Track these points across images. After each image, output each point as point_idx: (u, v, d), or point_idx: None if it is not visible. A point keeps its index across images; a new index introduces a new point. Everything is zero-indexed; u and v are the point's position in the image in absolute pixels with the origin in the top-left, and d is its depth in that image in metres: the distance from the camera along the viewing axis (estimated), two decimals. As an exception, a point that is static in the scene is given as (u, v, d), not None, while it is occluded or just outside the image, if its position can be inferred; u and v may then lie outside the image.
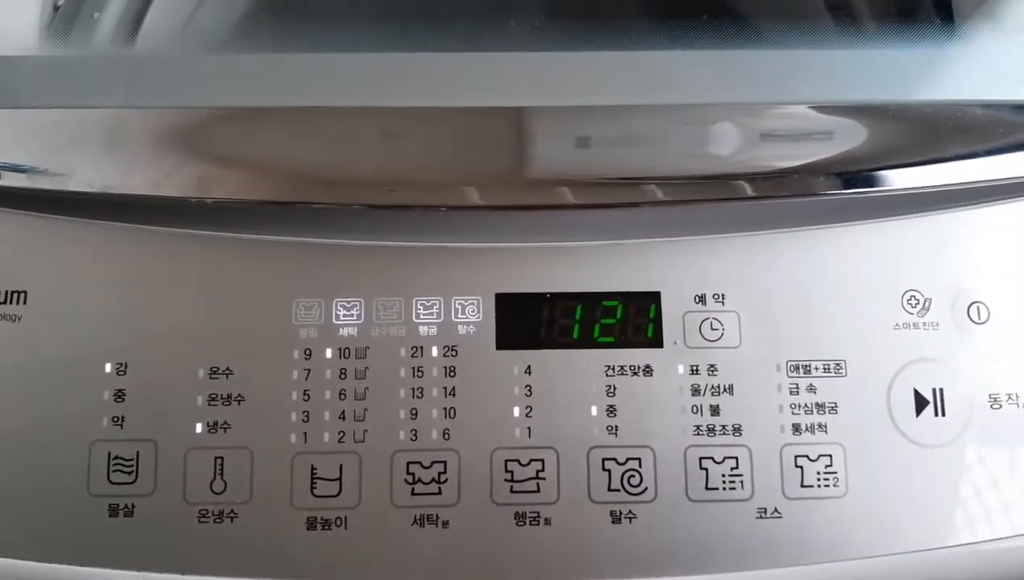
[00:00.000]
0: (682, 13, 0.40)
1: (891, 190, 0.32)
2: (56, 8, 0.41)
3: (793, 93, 0.34)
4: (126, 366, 0.31)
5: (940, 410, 0.32)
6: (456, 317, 0.32)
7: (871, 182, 0.32)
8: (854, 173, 0.32)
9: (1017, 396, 0.32)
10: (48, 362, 0.31)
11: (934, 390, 0.32)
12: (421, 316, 0.32)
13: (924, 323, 0.32)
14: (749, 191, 0.31)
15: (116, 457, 0.31)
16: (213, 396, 0.31)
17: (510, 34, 0.37)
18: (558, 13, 0.41)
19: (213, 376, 0.31)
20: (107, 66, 0.35)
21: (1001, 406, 0.32)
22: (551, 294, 0.32)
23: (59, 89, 0.34)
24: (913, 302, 0.32)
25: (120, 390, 0.31)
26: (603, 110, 0.33)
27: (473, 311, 0.32)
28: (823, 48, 0.36)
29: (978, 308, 0.33)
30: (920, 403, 0.32)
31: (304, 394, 0.31)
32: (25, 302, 0.32)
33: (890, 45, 0.38)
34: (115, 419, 0.31)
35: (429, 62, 0.34)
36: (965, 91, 0.34)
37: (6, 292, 0.32)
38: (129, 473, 0.31)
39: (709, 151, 0.32)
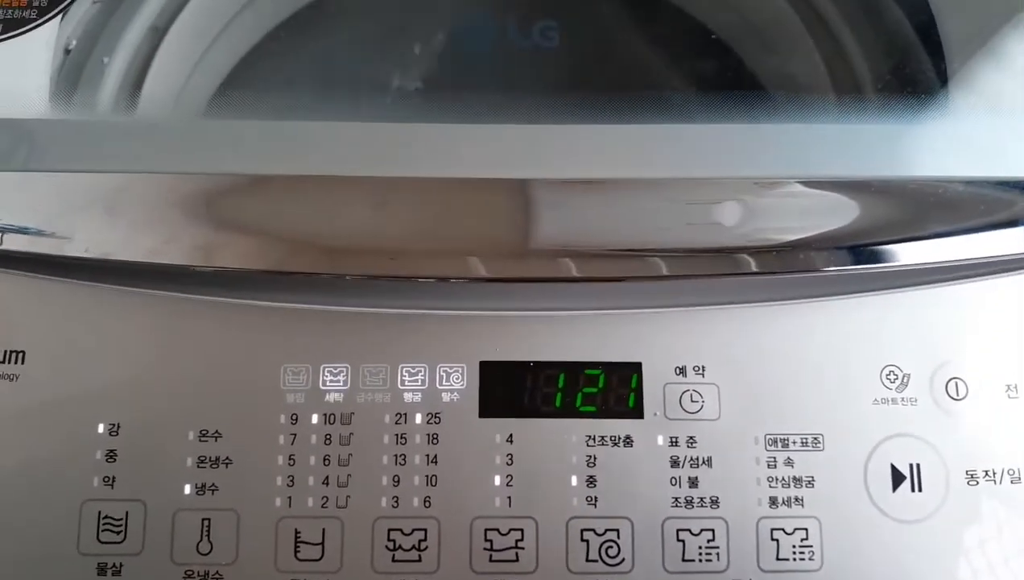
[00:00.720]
0: (676, 83, 0.41)
1: (874, 267, 0.33)
2: (67, 52, 0.43)
3: (779, 169, 0.34)
4: (119, 427, 0.32)
5: (917, 486, 0.32)
6: (440, 384, 0.33)
7: (854, 259, 0.33)
8: (838, 250, 0.33)
9: (994, 473, 0.32)
10: (43, 421, 0.32)
11: (911, 465, 0.32)
12: (406, 382, 0.33)
13: (902, 398, 0.33)
14: (753, 266, 0.32)
15: (106, 516, 0.31)
16: (202, 458, 0.32)
17: (503, 105, 0.37)
18: (546, 85, 0.42)
19: (203, 439, 0.32)
20: (106, 131, 0.36)
21: (978, 483, 0.32)
22: (534, 362, 0.33)
23: (62, 153, 0.35)
24: (892, 377, 0.33)
25: (112, 450, 0.32)
26: (598, 184, 0.33)
27: (457, 378, 0.33)
28: (808, 122, 0.36)
29: (957, 384, 0.33)
30: (897, 478, 0.32)
31: (290, 459, 0.32)
32: (23, 362, 0.33)
33: (872, 120, 0.39)
34: (106, 479, 0.32)
35: (419, 133, 0.35)
36: (948, 168, 0.35)
37: (5, 351, 0.33)
38: (118, 532, 0.31)
39: (694, 227, 0.33)
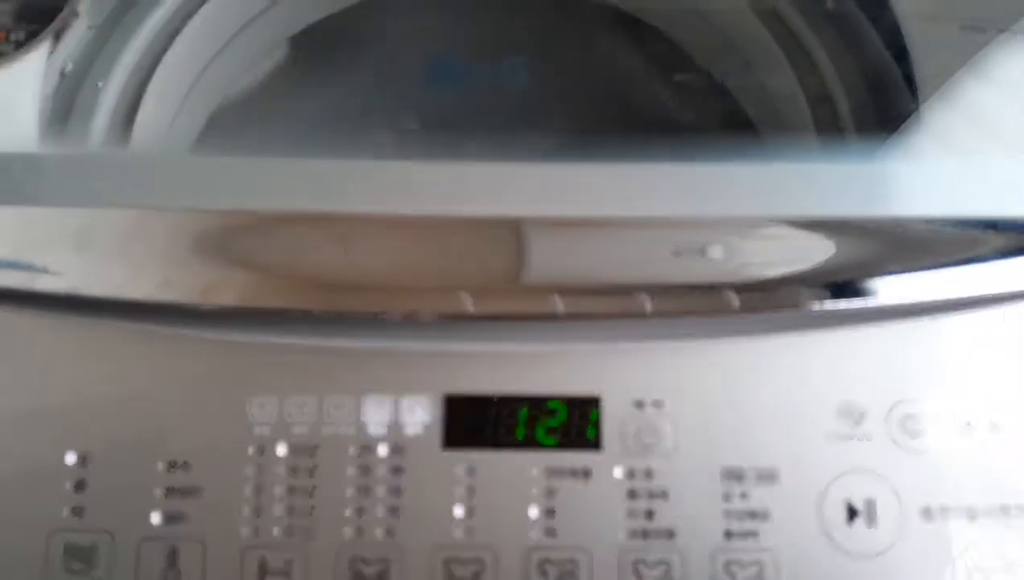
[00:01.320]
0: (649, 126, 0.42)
1: (834, 310, 0.34)
2: (63, 75, 0.44)
3: (759, 208, 0.35)
4: (88, 457, 0.33)
5: (871, 521, 0.33)
6: (405, 417, 0.33)
7: (814, 299, 0.34)
8: (800, 290, 0.34)
9: (949, 509, 0.33)
10: (13, 452, 0.33)
11: (866, 501, 0.33)
12: (371, 415, 0.33)
13: (858, 434, 0.33)
14: (736, 304, 0.33)
15: (74, 547, 0.32)
16: (170, 489, 0.33)
17: (480, 143, 0.38)
18: (521, 120, 0.43)
19: (171, 469, 0.33)
20: (81, 166, 0.37)
21: (933, 519, 0.33)
22: (498, 396, 0.34)
23: (33, 187, 0.36)
24: (848, 413, 0.34)
25: (81, 480, 0.33)
26: (573, 221, 0.34)
27: (422, 411, 0.33)
28: (762, 163, 0.37)
29: (912, 420, 0.34)
30: (851, 513, 0.33)
31: (256, 489, 0.33)
32: (-5, 393, 0.34)
33: (829, 160, 0.40)
34: (75, 510, 0.32)
35: (384, 169, 0.35)
36: (908, 207, 0.36)
37: (-23, 383, 0.34)
38: (86, 562, 0.32)
39: (675, 265, 0.34)
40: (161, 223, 0.34)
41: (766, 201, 0.35)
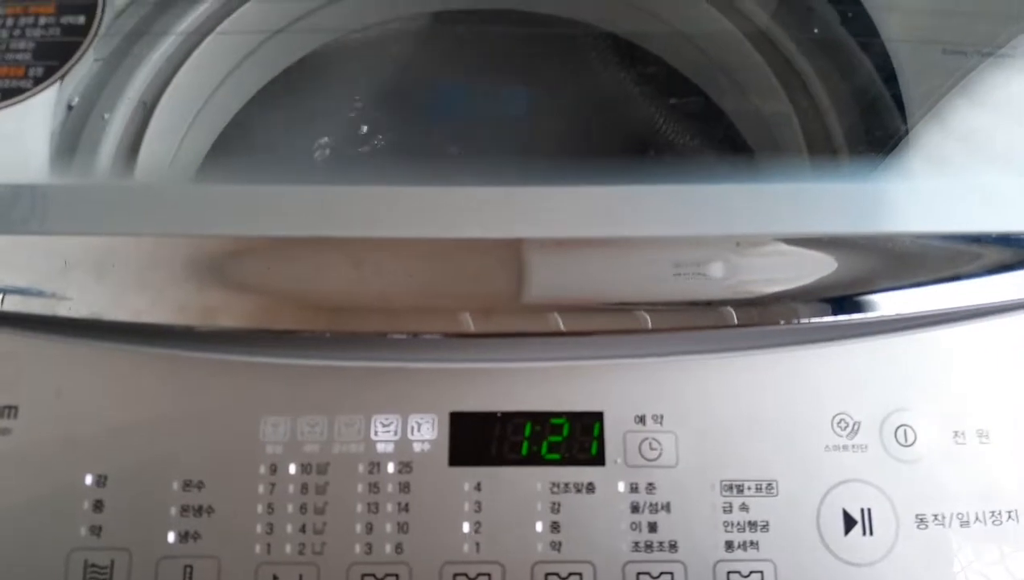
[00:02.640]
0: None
1: (831, 321, 0.35)
2: (70, 108, 0.45)
3: (757, 226, 0.36)
4: (106, 478, 0.34)
5: (868, 530, 0.34)
6: (412, 435, 0.34)
7: (809, 314, 0.35)
8: (795, 305, 0.35)
9: (943, 516, 0.34)
10: (34, 474, 0.34)
11: (862, 510, 0.34)
12: (379, 434, 0.34)
13: (853, 445, 0.34)
14: (735, 318, 0.34)
15: (92, 565, 0.33)
16: (185, 507, 0.33)
17: (479, 167, 0.40)
18: (521, 144, 0.44)
19: (186, 488, 0.34)
20: (99, 195, 0.38)
21: (927, 526, 0.34)
22: (502, 413, 0.35)
23: (56, 216, 0.37)
24: (843, 425, 0.35)
25: (99, 500, 0.34)
26: (581, 243, 0.35)
27: (428, 429, 0.34)
28: (757, 183, 0.38)
29: (905, 431, 0.35)
30: (848, 523, 0.34)
31: (269, 507, 0.33)
32: (16, 416, 0.35)
33: (822, 180, 0.41)
34: (93, 528, 0.33)
35: (390, 196, 0.37)
36: (899, 224, 0.37)
37: (0, 407, 0.35)
38: (104, 580, 0.33)
39: (673, 282, 0.35)
40: (173, 250, 0.35)
41: (762, 220, 0.36)
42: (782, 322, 0.35)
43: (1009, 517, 0.34)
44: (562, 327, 0.34)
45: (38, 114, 0.42)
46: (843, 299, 0.35)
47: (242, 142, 0.47)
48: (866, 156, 0.46)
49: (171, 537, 0.33)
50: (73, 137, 0.44)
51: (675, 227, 0.35)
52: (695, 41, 0.57)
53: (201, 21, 0.48)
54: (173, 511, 0.33)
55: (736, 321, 0.34)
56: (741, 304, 0.35)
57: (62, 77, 0.42)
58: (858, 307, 0.35)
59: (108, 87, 0.48)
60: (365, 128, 0.50)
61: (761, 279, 0.35)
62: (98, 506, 0.33)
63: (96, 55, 0.46)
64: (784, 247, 0.35)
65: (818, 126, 0.51)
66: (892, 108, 0.46)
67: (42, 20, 0.43)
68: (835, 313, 0.35)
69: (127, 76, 0.48)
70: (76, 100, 0.45)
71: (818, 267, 0.35)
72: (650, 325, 0.34)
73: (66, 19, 0.43)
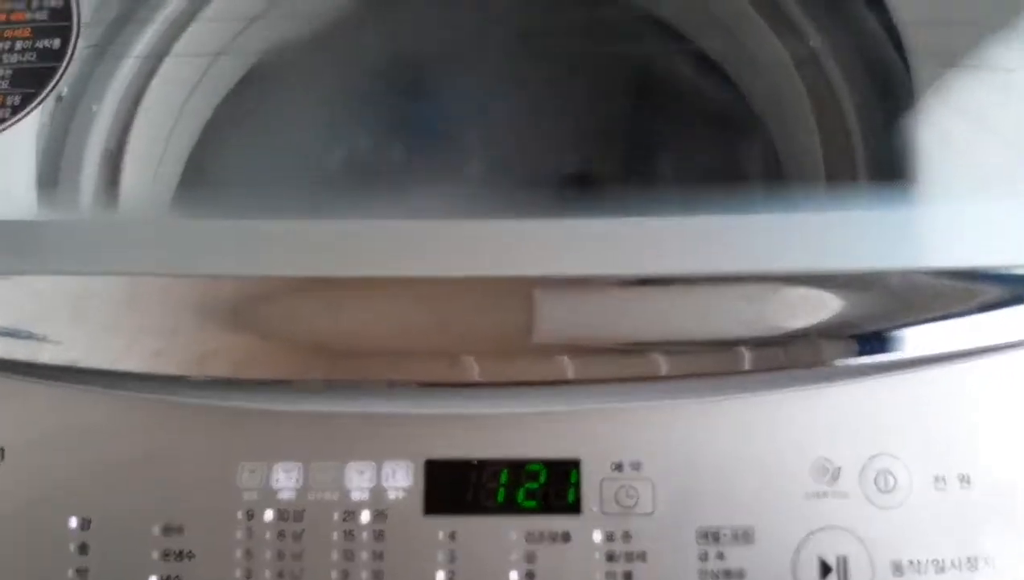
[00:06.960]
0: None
1: (809, 369, 0.34)
2: (59, 99, 0.45)
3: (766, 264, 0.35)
4: (90, 522, 0.34)
5: (843, 577, 0.33)
6: (387, 482, 0.34)
7: (789, 360, 0.34)
8: (773, 352, 0.34)
9: (919, 563, 0.34)
10: (19, 516, 0.35)
11: (838, 558, 0.34)
12: (354, 481, 0.34)
13: (832, 491, 0.34)
14: (749, 362, 0.34)
15: (77, 609, 0.34)
16: (166, 552, 0.34)
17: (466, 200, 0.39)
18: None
19: (167, 533, 0.34)
20: (74, 232, 0.38)
21: (903, 573, 0.33)
22: (478, 460, 0.35)
23: (32, 255, 0.37)
24: (823, 470, 0.34)
25: (84, 544, 0.34)
26: (582, 282, 0.35)
27: (403, 476, 0.34)
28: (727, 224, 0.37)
29: (886, 476, 0.34)
30: (824, 570, 0.33)
31: (247, 553, 0.34)
32: (3, 459, 0.35)
33: (815, 209, 0.40)
34: (78, 571, 0.34)
35: (363, 230, 0.36)
36: (883, 261, 0.36)
37: (-15, 449, 0.35)
38: (88, 624, 0.34)
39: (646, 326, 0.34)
40: (148, 291, 0.35)
41: (735, 259, 0.36)
42: (762, 368, 0.34)
43: (985, 563, 0.33)
44: (537, 376, 0.34)
45: (20, 145, 0.41)
46: (823, 345, 0.34)
47: (216, 160, 0.46)
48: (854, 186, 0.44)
49: (153, 581, 0.34)
50: (54, 168, 0.43)
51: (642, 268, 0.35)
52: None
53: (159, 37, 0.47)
54: (155, 555, 0.34)
55: (714, 368, 0.34)
56: (719, 347, 0.34)
57: (40, 104, 0.42)
58: (840, 353, 0.34)
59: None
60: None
61: (738, 323, 0.34)
62: (83, 549, 0.34)
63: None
64: (761, 291, 0.35)
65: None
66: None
67: (19, 44, 0.42)
68: (816, 359, 0.34)
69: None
70: (65, 91, 0.44)
71: (796, 312, 0.34)
72: (624, 374, 0.34)
73: (42, 43, 0.42)
